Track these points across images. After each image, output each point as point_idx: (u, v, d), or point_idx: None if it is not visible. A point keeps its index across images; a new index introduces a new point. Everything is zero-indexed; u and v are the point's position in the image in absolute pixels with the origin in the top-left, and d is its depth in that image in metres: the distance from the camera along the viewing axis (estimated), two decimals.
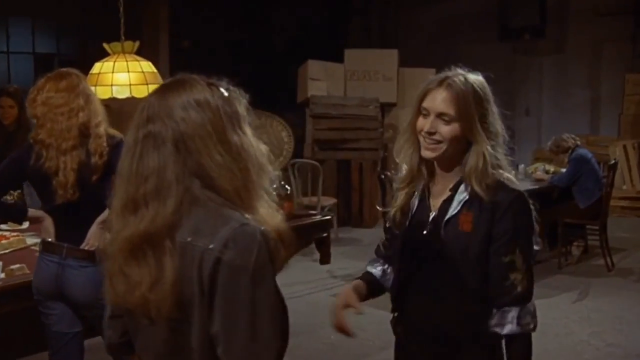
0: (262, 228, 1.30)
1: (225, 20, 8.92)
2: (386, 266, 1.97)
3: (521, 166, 6.48)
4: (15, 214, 2.95)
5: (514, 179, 1.78)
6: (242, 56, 9.02)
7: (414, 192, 1.86)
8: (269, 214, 1.36)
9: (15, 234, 3.53)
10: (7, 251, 3.26)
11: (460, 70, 1.77)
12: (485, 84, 1.78)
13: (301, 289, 5.28)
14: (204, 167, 1.30)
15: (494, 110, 1.76)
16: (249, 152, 1.34)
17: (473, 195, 1.74)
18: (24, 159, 2.67)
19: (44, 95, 2.65)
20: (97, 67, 3.88)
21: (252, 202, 1.34)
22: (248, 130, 1.38)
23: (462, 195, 1.76)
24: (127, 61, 3.87)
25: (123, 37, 3.98)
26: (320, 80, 7.86)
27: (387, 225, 1.95)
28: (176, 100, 1.33)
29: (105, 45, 3.95)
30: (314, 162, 7.03)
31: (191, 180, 1.30)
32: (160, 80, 3.81)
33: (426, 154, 1.78)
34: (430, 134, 1.74)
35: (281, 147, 7.60)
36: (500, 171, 1.75)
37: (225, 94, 1.37)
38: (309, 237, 4.02)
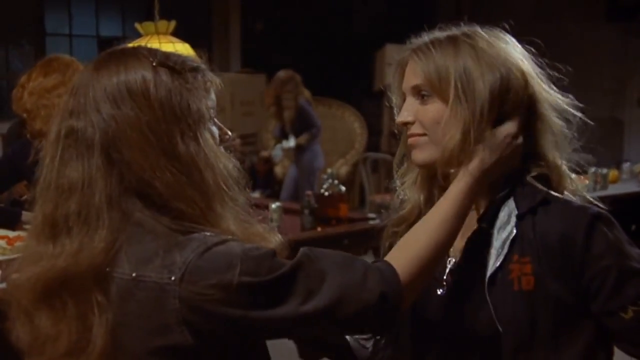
0: (245, 245, 0.97)
1: None
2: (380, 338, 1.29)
3: (626, 164, 5.63)
4: (4, 219, 2.58)
5: (579, 188, 1.18)
6: (320, 39, 8.49)
7: None
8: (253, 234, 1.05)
9: None
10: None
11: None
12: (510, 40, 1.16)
13: None
14: (151, 185, 0.97)
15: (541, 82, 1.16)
16: (208, 165, 1.00)
17: (525, 228, 1.11)
18: (19, 156, 2.50)
19: (30, 86, 2.48)
20: None
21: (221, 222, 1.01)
22: (209, 137, 1.01)
23: (505, 230, 1.12)
24: (160, 43, 3.44)
25: (157, 16, 3.62)
26: None
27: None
28: (106, 84, 0.99)
29: (137, 25, 3.60)
30: (386, 156, 6.47)
31: (131, 202, 0.98)
32: None
33: (414, 156, 1.17)
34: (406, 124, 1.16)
35: (353, 140, 7.10)
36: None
37: (175, 78, 0.99)
38: (365, 245, 3.50)
